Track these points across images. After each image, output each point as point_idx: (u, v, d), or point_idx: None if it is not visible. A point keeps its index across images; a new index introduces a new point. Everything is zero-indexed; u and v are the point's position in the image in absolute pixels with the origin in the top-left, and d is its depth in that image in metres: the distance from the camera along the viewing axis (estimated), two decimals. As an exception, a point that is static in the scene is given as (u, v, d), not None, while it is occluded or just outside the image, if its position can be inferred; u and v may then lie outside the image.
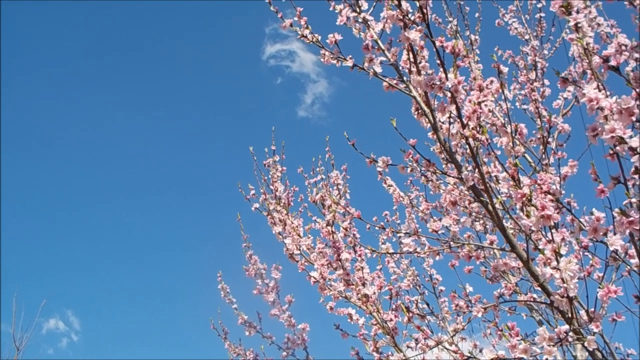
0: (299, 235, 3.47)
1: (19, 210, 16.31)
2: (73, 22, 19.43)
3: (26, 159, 17.47)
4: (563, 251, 1.45)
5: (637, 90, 1.37)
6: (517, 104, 3.61)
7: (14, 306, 8.87)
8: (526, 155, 3.12)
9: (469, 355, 1.72)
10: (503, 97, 2.28)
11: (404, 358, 2.14)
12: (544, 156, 2.73)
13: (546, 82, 3.18)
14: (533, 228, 1.43)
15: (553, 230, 1.45)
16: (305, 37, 2.18)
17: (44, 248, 16.35)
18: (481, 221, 3.22)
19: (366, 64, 2.11)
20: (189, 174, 18.22)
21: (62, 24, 19.43)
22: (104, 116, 18.36)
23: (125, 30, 19.97)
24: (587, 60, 1.41)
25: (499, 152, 2.16)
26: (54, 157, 17.87)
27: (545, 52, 4.01)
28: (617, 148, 1.35)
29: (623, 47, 1.53)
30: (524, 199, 1.44)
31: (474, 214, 2.89)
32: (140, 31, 20.41)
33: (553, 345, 1.55)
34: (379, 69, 2.11)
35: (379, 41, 2.10)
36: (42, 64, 18.70)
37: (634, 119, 1.31)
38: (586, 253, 1.91)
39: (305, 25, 2.20)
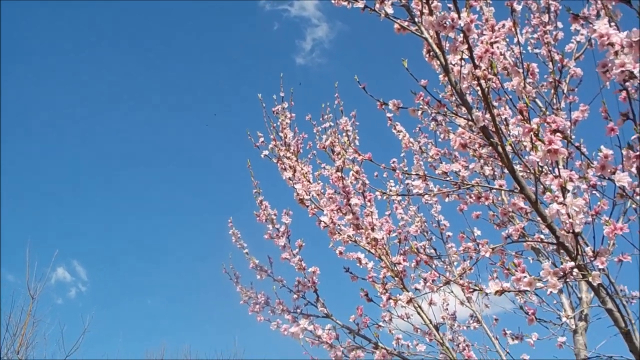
0: (308, 181, 3.51)
1: (31, 161, 16.47)
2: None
3: (43, 117, 17.50)
4: (569, 187, 1.47)
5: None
6: (529, 48, 3.56)
7: (27, 256, 9.14)
8: (537, 100, 3.10)
9: (475, 287, 1.77)
10: (515, 40, 2.26)
11: (412, 296, 2.20)
12: (554, 100, 2.72)
13: (559, 25, 3.12)
14: (540, 164, 1.45)
15: (560, 166, 1.46)
16: (316, -23, 2.15)
17: (48, 198, 16.53)
18: (490, 166, 3.24)
19: (377, 6, 2.09)
20: (189, 118, 18.11)
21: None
22: (121, 82, 18.29)
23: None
24: (601, -5, 1.40)
25: (509, 97, 2.16)
26: (71, 120, 17.91)
27: (559, -6, 3.92)
28: (627, 84, 1.35)
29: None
30: (532, 133, 1.45)
31: (482, 159, 2.91)
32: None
33: (558, 280, 1.59)
34: (390, 11, 2.09)
35: (391, -19, 2.07)
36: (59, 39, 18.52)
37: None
38: (594, 192, 1.93)
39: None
